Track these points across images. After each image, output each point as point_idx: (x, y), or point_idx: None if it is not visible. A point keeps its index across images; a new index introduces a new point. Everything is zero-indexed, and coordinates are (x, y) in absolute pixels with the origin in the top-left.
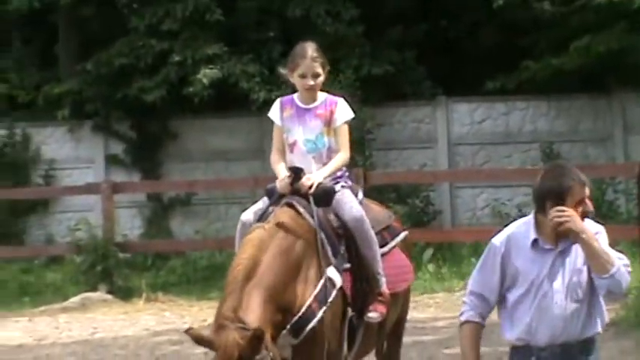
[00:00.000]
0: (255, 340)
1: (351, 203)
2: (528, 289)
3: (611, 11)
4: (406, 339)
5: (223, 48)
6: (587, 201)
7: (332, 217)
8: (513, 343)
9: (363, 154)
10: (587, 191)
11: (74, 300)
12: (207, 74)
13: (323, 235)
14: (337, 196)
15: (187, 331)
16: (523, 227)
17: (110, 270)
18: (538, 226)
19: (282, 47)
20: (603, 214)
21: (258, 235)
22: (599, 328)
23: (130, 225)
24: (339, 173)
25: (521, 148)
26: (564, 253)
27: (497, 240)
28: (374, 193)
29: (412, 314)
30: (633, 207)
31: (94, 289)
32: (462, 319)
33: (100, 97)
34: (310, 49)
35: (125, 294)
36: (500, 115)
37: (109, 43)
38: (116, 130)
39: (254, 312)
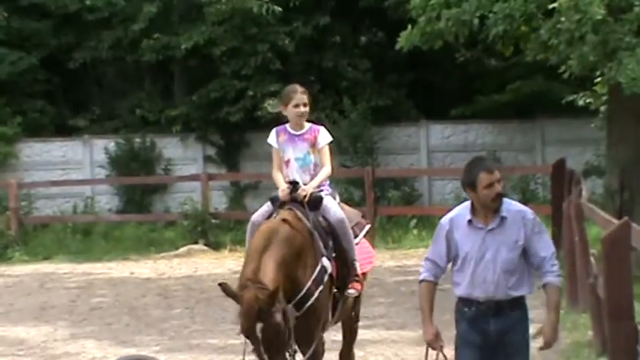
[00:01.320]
0: (272, 295)
1: (334, 208)
2: (465, 258)
3: (535, 66)
4: (397, 278)
5: (281, 86)
6: (497, 184)
7: (320, 218)
8: (460, 295)
9: (371, 157)
10: (495, 176)
11: (183, 250)
12: (270, 104)
13: (316, 234)
14: (324, 202)
15: (220, 285)
16: (463, 210)
17: (206, 230)
18: (473, 209)
19: (320, 86)
20: (528, 198)
21: (269, 226)
22: (527, 291)
23: (219, 201)
24: (323, 184)
25: (475, 155)
26: (493, 231)
27: (444, 220)
28: (379, 182)
29: (402, 262)
30: (547, 194)
31: (195, 242)
32: (420, 278)
33: (201, 118)
34: (299, 87)
35: (216, 246)
36: (461, 133)
37: (207, 82)
38: (211, 139)
39: (269, 275)
